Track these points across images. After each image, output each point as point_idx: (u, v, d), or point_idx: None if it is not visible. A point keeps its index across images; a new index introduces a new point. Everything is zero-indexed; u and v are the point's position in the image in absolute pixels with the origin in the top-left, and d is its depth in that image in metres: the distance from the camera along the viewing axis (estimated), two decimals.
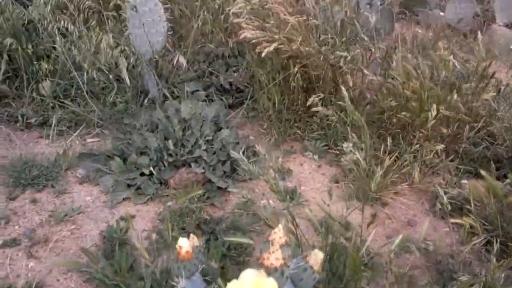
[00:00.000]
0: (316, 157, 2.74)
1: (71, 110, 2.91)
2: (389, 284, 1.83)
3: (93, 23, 3.20)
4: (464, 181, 2.57)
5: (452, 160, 2.61)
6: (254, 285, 0.82)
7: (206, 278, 1.40)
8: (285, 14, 2.90)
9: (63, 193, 2.39)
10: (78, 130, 2.84)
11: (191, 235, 1.13)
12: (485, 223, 2.14)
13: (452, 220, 2.10)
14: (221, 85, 3.27)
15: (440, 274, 2.03)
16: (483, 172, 2.06)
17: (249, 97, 3.17)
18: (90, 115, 2.90)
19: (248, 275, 0.84)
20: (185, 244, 1.03)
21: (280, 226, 0.85)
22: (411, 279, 1.96)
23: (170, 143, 2.51)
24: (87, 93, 2.96)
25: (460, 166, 2.59)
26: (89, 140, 2.82)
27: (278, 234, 0.84)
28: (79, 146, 2.75)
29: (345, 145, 1.93)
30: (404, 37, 3.71)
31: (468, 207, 2.17)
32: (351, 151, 1.94)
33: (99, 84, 3.02)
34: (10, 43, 2.86)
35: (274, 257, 0.85)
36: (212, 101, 3.16)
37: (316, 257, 0.96)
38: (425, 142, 2.58)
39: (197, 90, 3.23)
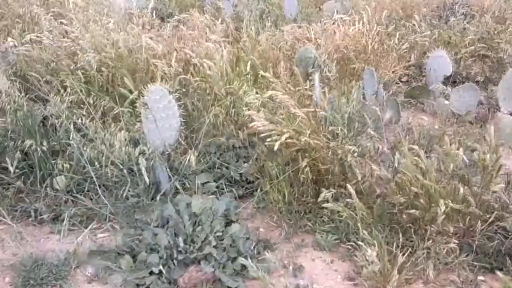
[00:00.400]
0: (328, 254, 2.71)
1: (83, 205, 2.94)
2: None
3: (108, 119, 3.32)
4: (480, 278, 2.50)
5: (466, 255, 2.56)
6: None
7: None
8: (294, 108, 3.01)
9: None
10: (90, 226, 2.85)
11: None
12: None
13: None
14: (231, 176, 3.31)
15: None
16: (499, 273, 2.01)
17: (259, 188, 3.19)
18: (102, 210, 2.93)
19: None
20: None
21: None
22: None
23: (180, 240, 2.51)
24: (99, 187, 3.01)
25: (475, 263, 2.53)
26: (99, 235, 2.83)
27: None
28: (89, 242, 2.75)
29: (368, 253, 1.95)
30: (410, 127, 3.79)
31: None
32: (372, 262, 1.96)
33: (112, 178, 3.08)
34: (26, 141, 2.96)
35: None
36: (223, 191, 3.19)
37: None
38: (437, 236, 2.55)
39: (208, 182, 3.26)
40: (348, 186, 2.60)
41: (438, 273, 2.47)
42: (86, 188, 3.08)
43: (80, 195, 3.01)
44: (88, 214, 2.93)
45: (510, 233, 2.58)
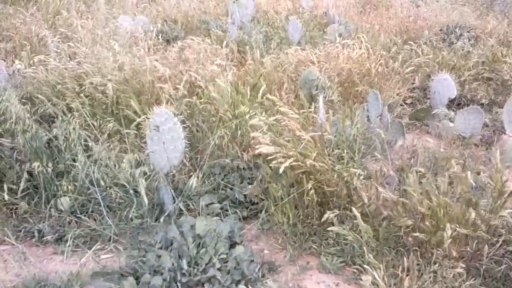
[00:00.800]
0: (333, 277, 2.67)
1: (87, 226, 2.93)
2: None
3: (113, 141, 3.34)
4: None
5: (474, 279, 2.52)
6: None
7: None
8: (300, 131, 3.01)
9: None
10: (93, 247, 2.83)
11: None
12: None
13: None
14: (236, 197, 3.30)
15: None
16: None
17: (263, 210, 3.17)
18: (106, 231, 2.92)
19: None
20: None
21: None
22: None
23: (184, 263, 2.49)
24: (104, 207, 3.01)
25: (482, 287, 2.49)
26: (103, 256, 2.81)
27: None
28: (93, 263, 2.73)
29: (364, 277, 1.93)
30: (415, 149, 3.79)
31: None
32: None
33: (116, 199, 3.07)
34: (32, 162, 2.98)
35: None
36: (227, 213, 3.16)
37: None
38: (444, 260, 2.53)
39: (212, 203, 3.25)
40: (353, 209, 2.59)
41: None
42: (90, 209, 3.08)
43: (84, 216, 3.01)
44: (92, 235, 2.92)
45: None
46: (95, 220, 3.01)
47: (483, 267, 2.56)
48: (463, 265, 2.49)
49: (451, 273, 2.45)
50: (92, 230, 2.94)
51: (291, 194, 2.97)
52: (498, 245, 2.59)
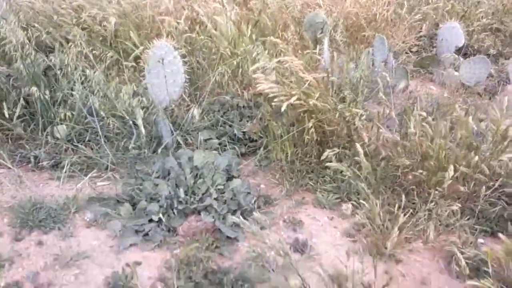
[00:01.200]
0: (328, 211, 2.68)
1: (83, 154, 2.91)
2: None
3: (112, 72, 3.27)
4: (480, 240, 2.48)
5: (468, 218, 2.54)
6: None
7: None
8: (303, 72, 2.95)
9: (69, 236, 2.35)
10: (90, 174, 2.82)
11: None
12: (503, 286, 2.04)
13: (470, 282, 2.01)
14: (234, 134, 3.27)
15: None
16: (502, 236, 2.00)
17: (262, 147, 3.16)
18: (103, 159, 2.90)
19: None
20: None
21: None
22: None
23: (181, 191, 2.49)
24: (101, 137, 2.98)
25: (476, 226, 2.51)
26: (99, 183, 2.80)
27: None
28: (89, 189, 2.73)
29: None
30: (419, 95, 3.74)
31: (486, 268, 2.08)
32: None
33: (113, 130, 3.04)
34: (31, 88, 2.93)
35: None
36: (225, 148, 3.15)
37: None
38: (440, 200, 2.53)
39: (210, 138, 3.23)
40: (357, 145, 2.58)
41: (439, 234, 2.46)
42: (87, 138, 3.05)
43: (81, 144, 2.99)
44: (88, 163, 2.91)
45: None
46: (92, 149, 3.00)
47: (478, 207, 2.57)
48: (459, 205, 2.49)
49: (446, 211, 2.46)
50: (88, 158, 2.92)
51: (291, 132, 2.94)
52: (494, 188, 2.59)
